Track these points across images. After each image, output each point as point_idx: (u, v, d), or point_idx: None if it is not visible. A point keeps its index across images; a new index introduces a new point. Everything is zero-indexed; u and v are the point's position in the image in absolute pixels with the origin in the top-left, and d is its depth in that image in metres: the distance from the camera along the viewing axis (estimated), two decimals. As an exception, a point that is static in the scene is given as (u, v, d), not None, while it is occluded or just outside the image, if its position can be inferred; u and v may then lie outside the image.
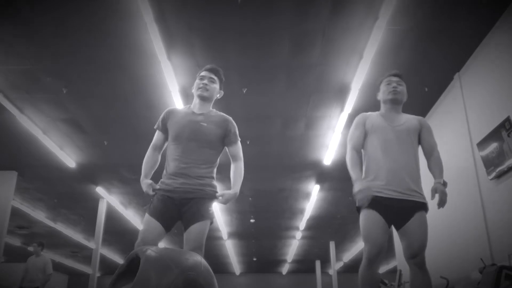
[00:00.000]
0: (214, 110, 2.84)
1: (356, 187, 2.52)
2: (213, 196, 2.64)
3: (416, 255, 2.45)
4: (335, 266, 16.69)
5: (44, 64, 5.61)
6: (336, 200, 11.21)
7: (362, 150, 2.79)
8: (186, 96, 6.31)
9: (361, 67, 5.57)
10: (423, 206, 2.57)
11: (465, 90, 5.58)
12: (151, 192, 2.60)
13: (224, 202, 2.65)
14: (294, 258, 19.21)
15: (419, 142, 2.78)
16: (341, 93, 6.30)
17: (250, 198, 11.17)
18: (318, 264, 19.55)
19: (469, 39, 5.11)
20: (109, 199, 10.85)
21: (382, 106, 2.86)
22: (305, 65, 5.70)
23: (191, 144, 2.63)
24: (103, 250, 16.25)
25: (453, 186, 5.78)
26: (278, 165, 9.06)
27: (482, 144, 4.99)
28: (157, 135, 2.80)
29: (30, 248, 7.55)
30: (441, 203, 2.62)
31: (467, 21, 4.80)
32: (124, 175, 9.19)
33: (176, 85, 6.03)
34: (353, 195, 2.54)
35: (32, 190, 10.31)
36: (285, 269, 22.03)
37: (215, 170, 2.74)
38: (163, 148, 2.81)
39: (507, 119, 4.49)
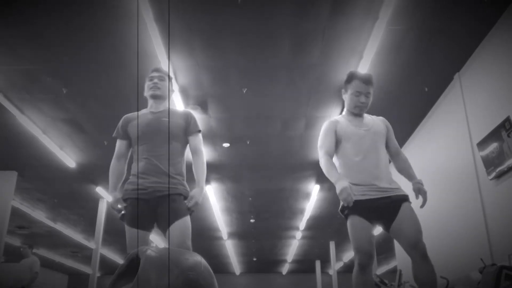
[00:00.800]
0: (171, 107, 2.84)
1: (338, 186, 2.52)
2: (185, 193, 2.62)
3: (416, 244, 2.44)
4: (335, 266, 16.68)
5: (44, 64, 5.61)
6: (336, 200, 11.16)
7: (335, 156, 2.81)
8: (186, 96, 6.32)
9: (361, 67, 5.57)
10: (405, 198, 2.61)
11: (465, 90, 5.58)
12: (117, 207, 2.58)
13: (194, 206, 2.59)
14: (294, 258, 19.21)
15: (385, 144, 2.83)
16: (341, 93, 6.30)
17: (250, 198, 11.17)
18: (318, 264, 19.55)
19: (469, 39, 5.11)
20: (109, 199, 10.82)
21: (346, 111, 2.89)
22: (305, 65, 5.70)
23: (156, 140, 2.62)
24: (103, 250, 16.25)
25: (453, 186, 5.81)
26: (278, 165, 9.06)
27: (482, 144, 4.99)
28: (119, 144, 2.81)
29: (21, 249, 7.58)
30: (425, 202, 2.66)
31: (467, 21, 4.80)
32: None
33: (176, 85, 6.03)
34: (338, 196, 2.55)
35: (32, 190, 10.31)
36: (285, 269, 22.02)
37: (184, 166, 2.72)
38: (128, 156, 2.80)
39: (507, 119, 4.49)
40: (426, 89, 6.07)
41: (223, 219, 12.91)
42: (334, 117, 2.90)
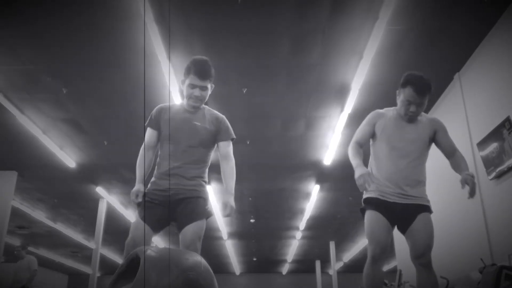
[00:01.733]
0: (207, 107, 2.79)
1: (357, 172, 2.47)
2: (206, 196, 2.62)
3: (421, 256, 2.45)
4: (335, 266, 16.68)
5: (44, 64, 5.61)
6: (336, 200, 11.21)
7: (371, 150, 2.78)
8: (186, 96, 6.31)
9: (361, 67, 5.57)
10: (426, 208, 2.58)
11: (465, 90, 5.58)
12: (136, 201, 2.54)
13: (230, 212, 2.58)
14: (294, 258, 19.21)
15: (437, 145, 2.76)
16: (341, 93, 6.30)
17: (250, 198, 11.17)
18: (318, 264, 19.54)
19: (469, 39, 5.11)
20: (109, 199, 10.85)
21: (398, 109, 2.76)
22: (305, 65, 5.70)
23: (184, 143, 2.59)
24: (103, 250, 16.24)
25: (453, 186, 5.79)
26: (278, 165, 9.06)
27: (482, 144, 4.99)
28: (150, 134, 2.70)
29: (30, 249, 7.60)
30: (472, 192, 2.55)
31: (467, 21, 4.80)
32: (124, 175, 9.19)
33: (176, 85, 6.03)
34: (356, 183, 2.48)
35: (32, 190, 10.30)
36: (285, 269, 22.02)
37: (207, 170, 2.71)
38: (157, 147, 2.73)
39: (507, 119, 4.49)
40: (426, 89, 6.06)
41: (223, 219, 12.90)
42: (387, 109, 2.79)
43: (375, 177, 2.63)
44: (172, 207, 2.52)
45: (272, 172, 9.45)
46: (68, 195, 10.72)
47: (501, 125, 4.60)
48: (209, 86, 2.67)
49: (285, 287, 22.79)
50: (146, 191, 2.58)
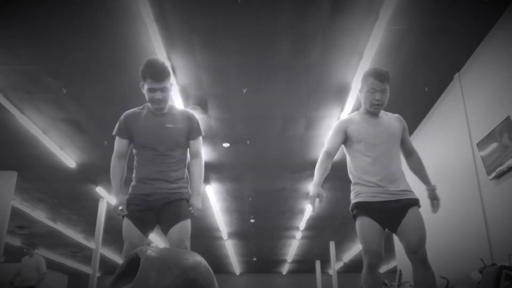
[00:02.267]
0: (173, 105, 2.79)
1: (312, 191, 2.61)
2: (188, 197, 2.67)
3: (416, 250, 2.45)
4: (335, 266, 16.69)
5: (44, 64, 5.61)
6: (336, 200, 11.22)
7: (347, 156, 2.80)
8: (186, 96, 6.32)
9: (361, 67, 5.57)
10: (415, 202, 2.59)
11: (465, 90, 5.58)
12: (122, 214, 2.56)
13: (197, 212, 2.65)
14: (294, 258, 19.22)
15: (401, 143, 2.79)
16: (341, 93, 6.31)
17: (250, 198, 11.17)
18: (318, 264, 19.55)
19: (469, 39, 5.11)
20: (109, 199, 10.86)
21: (363, 109, 2.80)
22: (305, 65, 5.70)
23: (161, 148, 2.62)
24: (103, 250, 16.26)
25: (453, 186, 5.81)
26: (278, 165, 9.06)
27: (482, 144, 4.99)
28: (120, 143, 2.73)
29: (24, 249, 7.61)
30: (437, 209, 2.72)
31: (467, 21, 4.80)
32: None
33: (176, 85, 6.03)
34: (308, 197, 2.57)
35: (32, 190, 10.31)
36: (285, 269, 22.03)
37: (186, 169, 2.75)
38: (128, 154, 2.77)
39: (507, 119, 4.49)
40: (426, 89, 6.07)
41: (223, 219, 12.91)
42: (350, 114, 2.84)
43: (363, 181, 2.62)
44: (157, 210, 2.57)
45: (272, 172, 9.45)
46: (68, 195, 10.72)
47: (501, 125, 4.60)
48: (168, 85, 2.67)
49: (285, 287, 22.80)
50: (128, 195, 2.63)
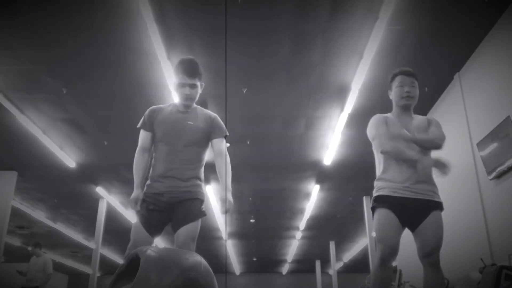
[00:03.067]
0: (199, 107, 2.81)
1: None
2: (202, 197, 2.63)
3: (430, 254, 2.44)
4: (335, 266, 16.69)
5: (44, 64, 5.61)
6: (336, 200, 11.21)
7: (377, 155, 2.76)
8: (186, 96, 6.31)
9: (361, 67, 5.57)
10: (438, 206, 2.57)
11: (465, 90, 5.58)
12: (136, 208, 2.55)
13: (229, 209, 2.61)
14: (294, 258, 19.21)
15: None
16: (341, 93, 6.30)
17: (250, 198, 11.17)
18: (318, 264, 19.55)
19: (469, 39, 5.11)
20: (109, 199, 10.85)
21: (394, 107, 2.80)
22: (305, 65, 5.70)
23: (179, 144, 2.59)
24: (103, 250, 16.25)
25: (453, 186, 5.81)
26: (278, 165, 9.06)
27: (482, 144, 4.99)
28: (144, 136, 2.72)
29: (29, 248, 7.60)
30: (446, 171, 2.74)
31: (467, 21, 4.80)
32: (124, 175, 9.19)
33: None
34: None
35: (32, 190, 10.31)
36: (285, 269, 22.03)
37: (202, 169, 2.73)
38: (152, 148, 2.74)
39: (507, 119, 4.49)
40: (426, 89, 6.06)
41: (223, 219, 12.91)
42: (383, 114, 2.81)
43: (388, 176, 2.61)
44: (169, 210, 2.54)
45: (272, 172, 9.45)
46: (68, 195, 10.72)
47: (501, 125, 4.60)
48: (198, 84, 2.70)
49: (285, 287, 22.80)
50: (143, 193, 2.59)
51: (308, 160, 8.70)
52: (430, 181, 2.62)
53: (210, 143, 2.77)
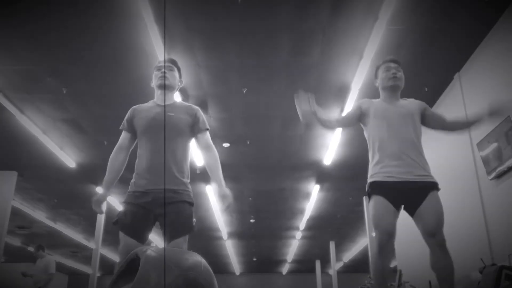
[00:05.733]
0: (178, 101, 2.77)
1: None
2: (189, 199, 2.49)
3: (435, 233, 2.44)
4: (335, 266, 16.68)
5: (44, 64, 5.61)
6: (336, 200, 11.21)
7: (365, 136, 2.80)
8: (187, 96, 6.31)
9: (361, 67, 5.57)
10: (434, 186, 2.57)
11: (465, 90, 5.58)
12: (99, 211, 2.48)
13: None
14: (294, 258, 19.21)
15: (429, 120, 2.81)
16: (341, 93, 6.30)
17: (250, 198, 11.17)
18: (318, 264, 19.54)
19: (469, 39, 5.11)
20: (109, 199, 10.84)
21: (382, 93, 2.85)
22: (305, 65, 5.70)
23: (160, 137, 2.46)
24: (103, 250, 16.24)
25: (453, 186, 5.80)
26: (278, 165, 9.06)
27: (482, 144, 4.99)
28: (123, 136, 2.69)
29: (30, 249, 7.63)
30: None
31: (467, 21, 4.80)
32: (124, 175, 9.17)
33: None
34: None
35: (32, 190, 10.30)
36: (285, 269, 22.02)
37: (188, 165, 2.60)
38: (130, 149, 2.70)
39: (507, 119, 4.49)
40: (426, 89, 6.06)
41: (223, 219, 12.90)
42: (368, 99, 2.87)
43: (381, 160, 2.61)
44: (154, 210, 2.40)
45: (272, 172, 9.45)
46: (68, 195, 10.72)
47: (501, 125, 4.60)
48: (175, 69, 2.72)
49: (285, 287, 22.80)
50: (127, 192, 2.50)
51: (308, 160, 8.70)
52: (422, 162, 2.62)
53: (194, 137, 2.68)
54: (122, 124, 2.71)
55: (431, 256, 2.47)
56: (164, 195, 2.40)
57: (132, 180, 2.55)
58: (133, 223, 2.40)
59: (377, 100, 2.83)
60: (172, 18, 4.78)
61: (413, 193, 2.52)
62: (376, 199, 2.54)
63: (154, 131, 2.53)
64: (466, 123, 2.88)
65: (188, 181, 2.57)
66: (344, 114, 2.83)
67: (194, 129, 2.65)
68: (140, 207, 2.42)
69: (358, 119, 2.80)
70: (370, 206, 2.59)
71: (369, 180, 2.64)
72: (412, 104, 2.78)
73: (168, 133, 2.48)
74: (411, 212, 2.56)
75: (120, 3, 4.58)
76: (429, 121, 2.81)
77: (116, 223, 2.45)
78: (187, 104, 2.75)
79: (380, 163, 2.60)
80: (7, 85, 6.07)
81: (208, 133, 2.70)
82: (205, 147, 2.64)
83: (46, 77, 5.87)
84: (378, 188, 2.55)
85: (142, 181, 2.47)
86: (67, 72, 5.81)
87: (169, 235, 2.35)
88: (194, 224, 2.46)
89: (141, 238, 2.41)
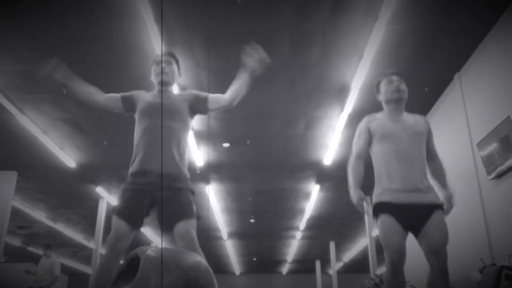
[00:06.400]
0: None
1: (353, 195, 2.61)
2: (192, 189, 2.41)
3: (437, 251, 2.45)
4: (335, 266, 16.69)
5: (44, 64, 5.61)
6: (336, 200, 11.21)
7: (371, 154, 2.76)
8: (186, 96, 6.31)
9: (361, 67, 5.57)
10: (439, 207, 2.57)
11: (465, 90, 5.58)
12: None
13: (450, 207, 2.58)
14: (294, 258, 19.21)
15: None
16: (341, 93, 6.30)
17: (250, 198, 11.17)
18: (318, 264, 19.54)
19: (469, 39, 5.11)
20: (109, 199, 10.85)
21: (386, 107, 2.80)
22: (305, 65, 5.70)
23: (158, 116, 2.40)
24: (103, 250, 16.23)
25: (453, 186, 5.80)
26: (278, 165, 9.06)
27: (482, 144, 4.99)
28: (114, 95, 2.71)
29: (30, 249, 7.66)
30: (448, 211, 2.68)
31: (467, 21, 4.80)
32: (124, 175, 9.15)
33: (176, 85, 6.02)
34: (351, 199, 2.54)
35: (32, 190, 10.30)
36: (285, 269, 22.03)
37: (187, 152, 2.52)
38: (107, 104, 2.73)
39: (507, 119, 4.49)
40: (426, 89, 6.07)
41: (223, 219, 12.91)
42: (373, 114, 2.82)
43: (387, 182, 2.59)
44: (152, 194, 2.31)
45: (272, 172, 9.45)
46: (68, 195, 10.72)
47: (501, 125, 4.60)
48: (173, 62, 2.69)
49: (285, 287, 22.80)
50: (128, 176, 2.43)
51: (308, 160, 8.70)
52: (427, 183, 2.60)
53: (193, 117, 2.64)
54: (123, 93, 2.68)
55: (429, 276, 2.47)
56: (164, 181, 2.31)
57: (130, 168, 2.47)
58: (130, 207, 2.34)
59: (382, 116, 2.78)
60: (172, 18, 4.78)
61: (418, 215, 2.52)
62: (384, 219, 2.52)
63: (152, 111, 2.49)
64: (441, 181, 2.78)
65: (185, 168, 2.48)
66: (356, 143, 2.77)
67: (199, 101, 2.64)
68: (139, 191, 2.35)
69: (370, 141, 2.76)
70: (378, 226, 2.56)
71: (376, 200, 2.62)
72: (420, 123, 2.73)
73: (166, 112, 2.44)
74: (416, 232, 2.54)
75: (120, 3, 4.58)
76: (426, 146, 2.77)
77: (114, 210, 2.40)
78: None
79: (386, 185, 2.58)
80: (7, 85, 6.07)
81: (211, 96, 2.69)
82: (221, 98, 2.77)
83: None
84: (385, 208, 2.53)
85: (139, 164, 2.40)
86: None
87: (173, 216, 2.29)
88: (195, 209, 2.36)
89: (136, 223, 2.35)
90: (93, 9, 4.67)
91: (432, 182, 2.71)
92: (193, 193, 2.44)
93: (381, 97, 2.83)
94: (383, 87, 2.80)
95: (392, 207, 2.52)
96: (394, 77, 2.79)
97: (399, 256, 2.44)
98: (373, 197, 2.65)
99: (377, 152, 2.70)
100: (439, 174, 2.79)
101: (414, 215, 2.51)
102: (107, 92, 2.77)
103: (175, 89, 2.90)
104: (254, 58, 2.51)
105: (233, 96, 2.64)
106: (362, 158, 2.71)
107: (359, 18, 4.80)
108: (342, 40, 5.18)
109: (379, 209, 2.57)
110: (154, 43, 5.07)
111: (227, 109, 2.78)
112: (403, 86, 2.77)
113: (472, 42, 5.15)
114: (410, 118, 2.75)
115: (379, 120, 2.75)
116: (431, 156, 2.78)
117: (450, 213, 2.66)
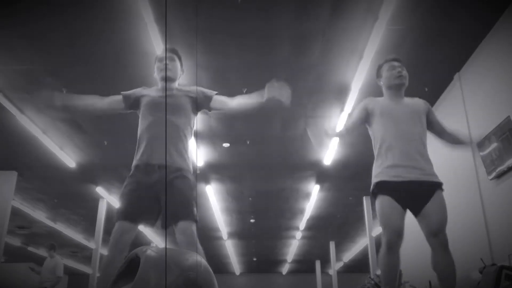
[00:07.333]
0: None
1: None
2: (191, 176, 2.41)
3: (437, 233, 2.44)
4: (335, 266, 16.69)
5: (44, 64, 5.61)
6: (336, 200, 11.21)
7: (370, 133, 2.78)
8: (186, 96, 6.31)
9: (361, 67, 5.57)
10: (439, 186, 2.57)
11: (465, 90, 5.58)
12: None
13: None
14: (294, 258, 19.21)
15: (430, 124, 2.77)
16: (341, 93, 6.30)
17: (250, 198, 11.17)
18: (318, 264, 19.54)
19: (469, 39, 5.11)
20: (109, 199, 10.85)
21: (386, 91, 2.83)
22: (305, 65, 5.70)
23: (162, 112, 2.44)
24: (103, 250, 16.24)
25: (453, 186, 5.80)
26: (278, 165, 9.05)
27: (482, 144, 4.99)
28: (115, 97, 2.72)
29: (30, 249, 7.68)
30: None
31: (467, 21, 4.80)
32: (124, 175, 9.16)
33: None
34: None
35: (32, 190, 10.30)
36: (285, 269, 22.02)
37: (189, 148, 2.53)
38: (108, 109, 2.77)
39: (507, 119, 4.49)
40: (426, 89, 6.06)
41: (223, 219, 12.90)
42: (373, 97, 2.86)
43: (387, 159, 2.59)
44: (157, 185, 2.32)
45: (272, 172, 9.45)
46: (68, 195, 10.72)
47: (501, 125, 4.60)
48: (176, 58, 2.71)
49: (285, 287, 22.79)
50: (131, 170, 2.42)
51: (308, 160, 8.70)
52: (427, 162, 2.60)
53: (198, 114, 2.66)
54: (125, 92, 2.68)
55: (432, 257, 2.46)
56: (170, 172, 2.32)
57: (134, 163, 2.48)
58: (132, 199, 2.35)
59: (382, 98, 2.83)
60: (172, 18, 4.78)
61: (419, 193, 2.51)
62: (383, 199, 2.52)
63: (156, 107, 2.51)
64: (462, 140, 2.84)
65: (191, 163, 2.50)
66: (347, 113, 2.82)
67: (203, 99, 2.64)
68: (141, 183, 2.36)
69: (364, 120, 2.77)
70: (377, 206, 2.56)
71: (375, 179, 2.61)
72: (418, 104, 2.76)
73: (170, 107, 2.47)
74: (415, 211, 2.55)
75: (120, 3, 4.58)
76: (429, 125, 2.78)
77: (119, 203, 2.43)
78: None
79: (386, 163, 2.58)
80: (7, 85, 6.07)
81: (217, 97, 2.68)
82: (229, 101, 2.71)
83: (46, 77, 5.87)
84: (385, 187, 2.53)
85: (145, 157, 2.41)
86: (67, 72, 5.80)
87: (174, 214, 2.28)
88: (195, 212, 2.36)
89: (140, 220, 2.38)
90: (93, 9, 4.67)
91: (455, 150, 2.71)
92: (195, 185, 2.45)
93: (382, 82, 2.84)
94: (384, 72, 2.84)
95: (392, 186, 2.51)
96: (396, 63, 2.84)
97: (397, 237, 2.46)
98: (372, 176, 2.65)
99: (376, 130, 2.71)
100: (456, 136, 2.84)
101: (414, 194, 2.52)
102: (107, 93, 2.76)
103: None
104: (278, 92, 2.50)
105: (238, 108, 2.70)
106: (348, 132, 2.78)
107: (359, 18, 4.80)
108: (342, 40, 5.18)
109: (379, 188, 2.57)
110: (154, 43, 5.07)
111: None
112: (405, 72, 2.81)
113: (472, 42, 5.15)
114: (410, 101, 2.79)
115: (378, 100, 2.80)
116: (441, 130, 2.81)
117: (450, 213, 2.66)
